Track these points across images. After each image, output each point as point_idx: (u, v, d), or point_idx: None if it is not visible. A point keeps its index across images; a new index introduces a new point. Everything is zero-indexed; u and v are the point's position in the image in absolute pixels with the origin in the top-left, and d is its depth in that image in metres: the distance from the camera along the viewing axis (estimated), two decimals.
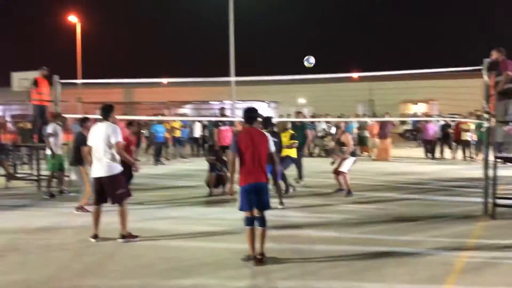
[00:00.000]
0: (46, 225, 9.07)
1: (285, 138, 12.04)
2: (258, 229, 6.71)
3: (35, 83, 13.61)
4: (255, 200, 6.65)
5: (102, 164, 7.68)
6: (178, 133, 21.92)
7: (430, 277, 6.25)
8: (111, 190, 7.72)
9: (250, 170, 6.62)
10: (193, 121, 23.81)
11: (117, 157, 7.75)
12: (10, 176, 14.08)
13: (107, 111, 7.90)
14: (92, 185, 8.18)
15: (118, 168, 7.76)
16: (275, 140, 9.33)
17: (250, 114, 6.86)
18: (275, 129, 11.63)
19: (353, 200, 11.33)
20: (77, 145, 9.96)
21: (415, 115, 37.96)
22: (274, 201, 8.65)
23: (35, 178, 13.35)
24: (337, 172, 12.19)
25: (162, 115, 23.04)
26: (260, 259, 6.65)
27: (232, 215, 9.08)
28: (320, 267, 6.64)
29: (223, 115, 16.38)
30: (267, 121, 10.53)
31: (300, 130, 14.32)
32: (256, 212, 6.71)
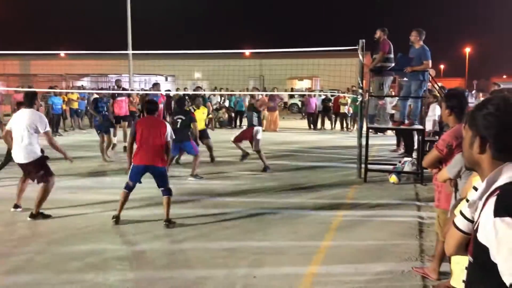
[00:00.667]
0: None
1: (202, 114, 12.12)
2: (164, 198, 6.93)
3: None
4: (156, 181, 6.99)
5: (22, 150, 7.16)
6: (75, 105, 21.07)
7: (311, 234, 6.52)
8: (34, 173, 7.31)
9: (144, 153, 6.84)
10: (91, 94, 22.83)
11: (37, 142, 7.24)
12: None
13: (31, 98, 7.37)
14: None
15: (38, 153, 7.24)
16: (182, 118, 10.17)
17: (151, 106, 7.28)
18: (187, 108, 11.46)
19: (243, 168, 11.47)
20: None
21: (297, 90, 38.99)
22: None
23: None
24: (238, 140, 11.56)
25: (56, 87, 21.89)
26: (166, 225, 6.76)
27: None
28: (213, 229, 6.70)
29: (119, 86, 16.03)
30: (179, 102, 11.11)
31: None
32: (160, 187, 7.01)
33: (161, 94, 12.42)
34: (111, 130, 13.06)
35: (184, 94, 15.97)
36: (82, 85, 35.02)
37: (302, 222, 7.08)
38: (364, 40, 10.29)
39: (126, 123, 14.46)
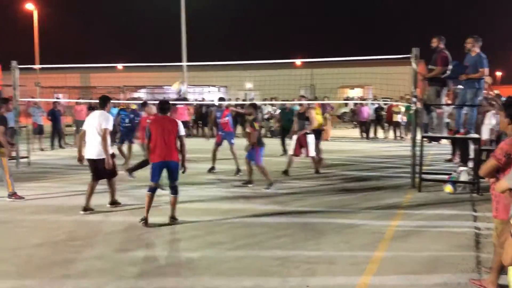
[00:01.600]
0: (5, 203, 8.79)
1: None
2: (171, 196, 7.34)
3: None
4: (169, 175, 7.35)
5: (94, 147, 8.05)
6: None
7: (364, 244, 6.44)
8: (102, 170, 8.11)
9: (160, 150, 7.20)
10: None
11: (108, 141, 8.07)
12: None
13: (104, 101, 8.35)
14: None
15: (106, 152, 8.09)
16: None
17: (163, 106, 7.58)
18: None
19: (294, 177, 11.47)
20: None
21: (351, 98, 38.63)
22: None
23: None
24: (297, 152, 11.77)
25: (113, 99, 22.67)
26: (171, 221, 7.32)
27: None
28: (265, 237, 6.73)
29: (180, 97, 17.31)
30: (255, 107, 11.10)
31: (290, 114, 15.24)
32: (170, 183, 7.40)
33: (226, 107, 12.67)
34: (126, 143, 12.99)
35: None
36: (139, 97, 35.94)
37: (355, 232, 7.00)
38: (418, 48, 10.13)
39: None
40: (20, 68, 13.42)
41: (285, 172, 11.66)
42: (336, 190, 9.94)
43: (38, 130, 17.82)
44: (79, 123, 20.16)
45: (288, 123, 14.36)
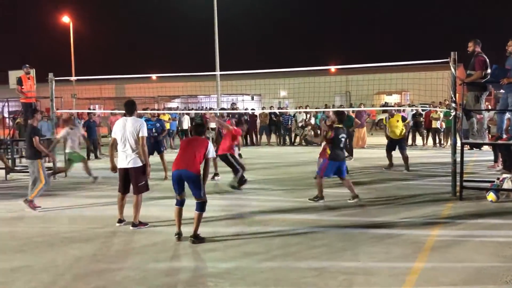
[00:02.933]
0: (42, 214, 9.01)
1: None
2: (195, 212, 7.07)
3: (19, 81, 13.61)
4: (190, 188, 7.10)
5: (126, 156, 7.81)
6: (167, 126, 21.91)
7: (403, 255, 6.32)
8: (134, 180, 7.85)
9: (179, 160, 7.10)
10: (182, 114, 23.78)
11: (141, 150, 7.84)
12: (8, 169, 13.95)
13: (131, 106, 8.05)
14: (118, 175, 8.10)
15: (141, 160, 7.86)
16: (344, 136, 9.70)
17: (197, 128, 7.60)
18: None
19: (330, 185, 11.38)
20: (30, 137, 9.49)
21: (388, 105, 38.17)
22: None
23: None
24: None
25: (148, 109, 23.07)
26: (192, 241, 6.95)
27: (222, 201, 9.12)
28: (301, 248, 6.69)
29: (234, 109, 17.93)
30: (340, 115, 10.13)
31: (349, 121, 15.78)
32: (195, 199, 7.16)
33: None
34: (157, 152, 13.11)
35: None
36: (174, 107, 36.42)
37: (394, 242, 6.89)
38: (455, 52, 9.95)
39: None
40: (57, 80, 13.79)
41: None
42: (373, 199, 9.82)
43: None
44: None
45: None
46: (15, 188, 12.20)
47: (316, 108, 22.71)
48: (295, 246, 6.76)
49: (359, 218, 8.29)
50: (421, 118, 21.69)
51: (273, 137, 24.36)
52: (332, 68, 42.36)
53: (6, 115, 18.48)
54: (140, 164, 7.83)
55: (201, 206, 7.08)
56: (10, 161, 14.38)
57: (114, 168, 8.04)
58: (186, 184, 7.14)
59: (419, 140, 22.15)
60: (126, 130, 7.79)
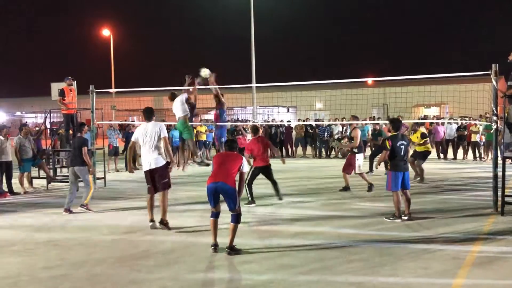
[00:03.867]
0: (83, 224, 9.22)
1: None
2: (230, 224, 7.16)
3: (62, 93, 13.98)
4: (226, 202, 7.17)
5: (150, 157, 8.53)
6: (204, 137, 22.14)
7: (443, 270, 6.21)
8: (158, 179, 8.51)
9: (215, 174, 7.22)
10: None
11: (162, 151, 8.60)
12: (50, 179, 14.34)
13: (149, 113, 8.83)
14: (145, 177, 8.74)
15: (163, 160, 8.59)
16: (403, 143, 9.20)
17: (231, 144, 7.74)
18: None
19: (367, 199, 11.28)
20: (80, 147, 10.33)
21: (426, 117, 37.61)
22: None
23: None
24: (345, 170, 12.63)
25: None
26: (228, 252, 7.02)
27: (252, 212, 9.14)
28: (337, 262, 6.64)
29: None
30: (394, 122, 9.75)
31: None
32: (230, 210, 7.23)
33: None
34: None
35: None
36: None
37: (433, 257, 6.77)
38: (497, 65, 9.76)
39: None
40: (97, 92, 14.14)
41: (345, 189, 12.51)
42: (412, 213, 9.65)
43: (114, 152, 18.66)
44: None
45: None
46: (55, 197, 12.51)
47: (363, 120, 22.55)
48: (332, 260, 6.71)
49: (397, 233, 8.17)
50: (465, 132, 21.22)
51: (309, 149, 24.28)
52: (369, 80, 42.06)
53: (48, 126, 18.98)
54: (162, 163, 8.56)
55: (236, 218, 7.15)
56: (51, 170, 14.77)
57: (131, 171, 9.67)
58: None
59: (460, 153, 21.67)
60: (147, 135, 8.51)
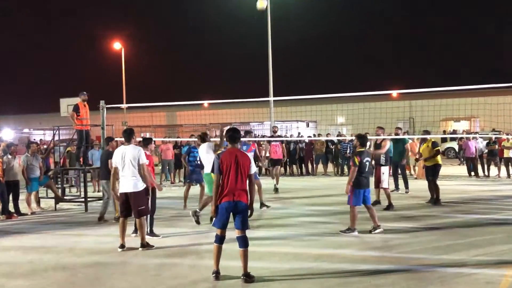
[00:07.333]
0: (92, 246, 9.27)
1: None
2: (239, 250, 6.79)
3: (76, 108, 14.10)
4: (236, 219, 6.83)
5: (128, 181, 8.60)
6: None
7: None
8: (134, 204, 8.60)
9: (229, 190, 6.72)
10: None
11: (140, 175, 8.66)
12: (58, 199, 14.43)
13: (129, 135, 8.83)
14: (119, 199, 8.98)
15: (141, 185, 8.65)
16: (368, 159, 10.05)
17: (235, 134, 7.11)
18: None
19: (394, 219, 11.17)
20: (106, 161, 10.86)
21: (455, 132, 37.27)
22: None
23: (82, 200, 13.65)
24: (377, 186, 12.92)
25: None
26: (244, 279, 6.71)
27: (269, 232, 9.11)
28: (363, 286, 6.58)
29: (275, 132, 19.52)
30: (361, 138, 10.28)
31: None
32: (237, 232, 6.84)
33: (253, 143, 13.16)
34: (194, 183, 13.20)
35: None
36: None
37: (464, 282, 6.67)
38: None
39: (279, 167, 17.12)
40: (108, 108, 14.22)
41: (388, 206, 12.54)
42: (440, 235, 9.54)
43: None
44: (165, 162, 20.97)
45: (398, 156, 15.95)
46: (63, 217, 12.61)
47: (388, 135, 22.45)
48: (355, 285, 6.65)
49: (426, 256, 8.06)
50: (496, 146, 20.90)
51: (330, 167, 24.11)
52: (394, 93, 41.92)
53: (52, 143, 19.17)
54: (140, 188, 8.61)
55: (244, 242, 6.77)
56: (59, 190, 14.87)
57: (118, 199, 9.09)
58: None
59: (492, 170, 21.41)
60: (126, 158, 8.56)
